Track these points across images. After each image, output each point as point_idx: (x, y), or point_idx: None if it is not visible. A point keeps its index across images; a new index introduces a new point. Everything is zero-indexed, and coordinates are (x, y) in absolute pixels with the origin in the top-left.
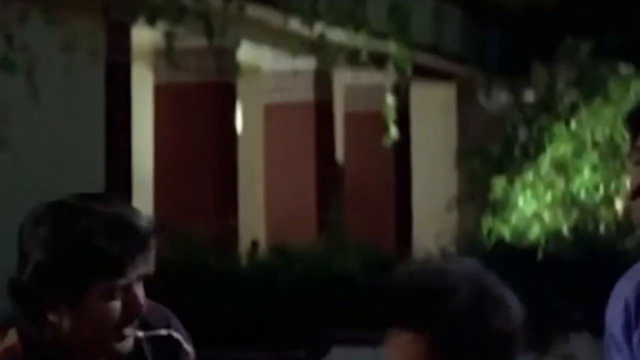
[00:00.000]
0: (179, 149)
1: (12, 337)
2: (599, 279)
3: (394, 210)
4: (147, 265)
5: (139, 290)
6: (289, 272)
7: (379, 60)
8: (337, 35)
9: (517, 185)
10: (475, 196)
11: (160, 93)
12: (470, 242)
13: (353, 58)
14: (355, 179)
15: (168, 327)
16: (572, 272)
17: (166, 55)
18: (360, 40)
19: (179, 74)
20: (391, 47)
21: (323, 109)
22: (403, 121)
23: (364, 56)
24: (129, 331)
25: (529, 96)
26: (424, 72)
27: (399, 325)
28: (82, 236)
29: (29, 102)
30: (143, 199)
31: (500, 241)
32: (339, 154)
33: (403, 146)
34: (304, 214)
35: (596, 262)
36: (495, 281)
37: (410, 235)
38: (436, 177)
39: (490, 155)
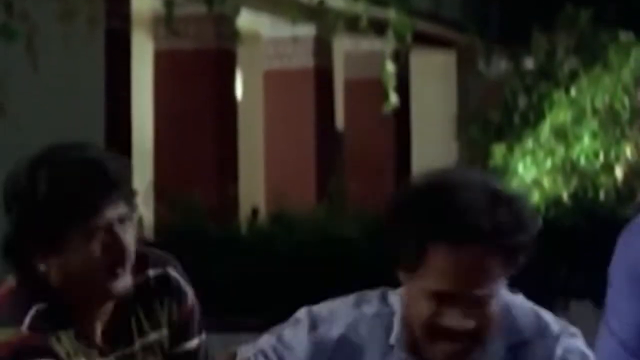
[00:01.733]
0: (178, 116)
1: (12, 282)
2: (599, 246)
3: (393, 177)
4: (124, 205)
5: (123, 232)
6: (288, 238)
7: (378, 27)
8: (337, 2)
9: (517, 152)
10: (475, 163)
11: (160, 60)
12: None
13: (353, 25)
14: (355, 146)
15: (163, 265)
16: (572, 238)
17: (166, 23)
18: (359, 7)
19: (179, 41)
20: (391, 13)
21: (323, 76)
22: (403, 88)
23: (363, 23)
24: (120, 270)
25: (529, 63)
26: (423, 39)
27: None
28: (54, 183)
29: (28, 70)
30: (143, 166)
31: None
32: (339, 120)
33: (403, 113)
34: (303, 181)
35: (596, 229)
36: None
37: None
38: (436, 144)
39: (490, 122)
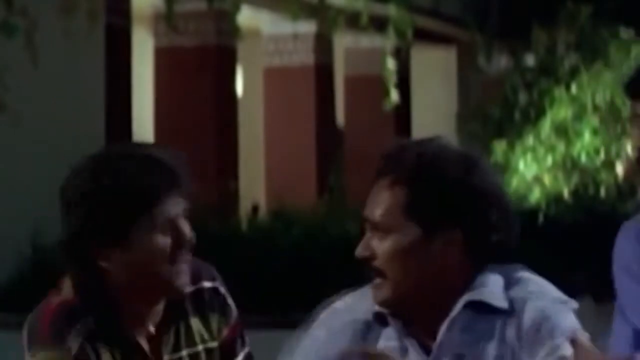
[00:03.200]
0: (179, 112)
1: (67, 288)
2: (600, 242)
3: None
4: (184, 200)
5: (184, 225)
6: (288, 235)
7: (379, 24)
8: None
9: (518, 148)
10: None
11: (161, 56)
12: None
13: (353, 21)
14: (356, 142)
15: (214, 280)
16: (573, 235)
17: (166, 19)
18: (360, 4)
19: (179, 37)
20: (391, 10)
21: (323, 73)
22: (403, 85)
23: (364, 19)
24: (182, 267)
25: (530, 60)
26: (424, 36)
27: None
28: (118, 177)
29: (28, 65)
30: None
31: None
32: (339, 117)
33: (403, 109)
34: (304, 177)
35: (597, 225)
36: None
37: None
38: None
39: (490, 118)
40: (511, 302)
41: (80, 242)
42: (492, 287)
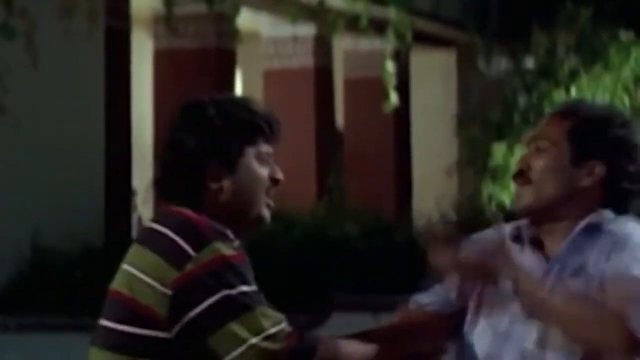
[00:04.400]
0: None
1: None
2: None
3: (393, 176)
4: (277, 141)
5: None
6: (288, 236)
7: (379, 27)
8: (337, 1)
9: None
10: (475, 162)
11: (160, 59)
12: (470, 208)
13: (353, 24)
14: (355, 145)
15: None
16: None
17: (166, 22)
18: (360, 6)
19: (179, 40)
20: (391, 13)
21: (323, 76)
22: (403, 87)
23: (364, 22)
24: (270, 201)
25: (529, 62)
26: (424, 39)
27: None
28: (234, 110)
29: (28, 68)
30: (143, 165)
31: (501, 207)
32: (339, 120)
33: (403, 112)
34: (303, 180)
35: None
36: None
37: (410, 201)
38: (436, 143)
39: (490, 121)
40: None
41: (194, 163)
42: (609, 216)
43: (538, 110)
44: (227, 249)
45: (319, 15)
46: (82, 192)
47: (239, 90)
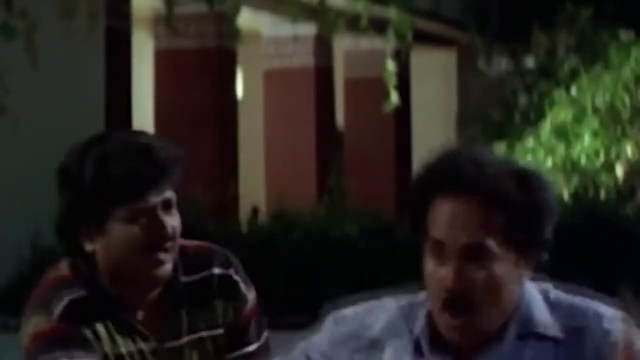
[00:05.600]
0: (179, 115)
1: (64, 267)
2: (600, 245)
3: (393, 176)
4: (171, 191)
5: (167, 217)
6: (288, 237)
7: (379, 26)
8: (337, 1)
9: (518, 151)
10: None
11: (160, 59)
12: None
13: (353, 23)
14: (356, 145)
15: (227, 266)
16: (573, 237)
17: (166, 21)
18: (360, 6)
19: (179, 39)
20: (391, 12)
21: (323, 75)
22: (403, 87)
23: (364, 22)
24: (162, 255)
25: (529, 62)
26: (424, 38)
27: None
28: (100, 167)
29: (28, 67)
30: None
31: None
32: (339, 119)
33: (403, 112)
34: (304, 180)
35: (596, 227)
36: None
37: None
38: (436, 143)
39: (490, 121)
40: (566, 331)
41: (66, 224)
42: (539, 313)
43: (538, 109)
44: (44, 322)
45: (319, 14)
46: None
47: (239, 89)
